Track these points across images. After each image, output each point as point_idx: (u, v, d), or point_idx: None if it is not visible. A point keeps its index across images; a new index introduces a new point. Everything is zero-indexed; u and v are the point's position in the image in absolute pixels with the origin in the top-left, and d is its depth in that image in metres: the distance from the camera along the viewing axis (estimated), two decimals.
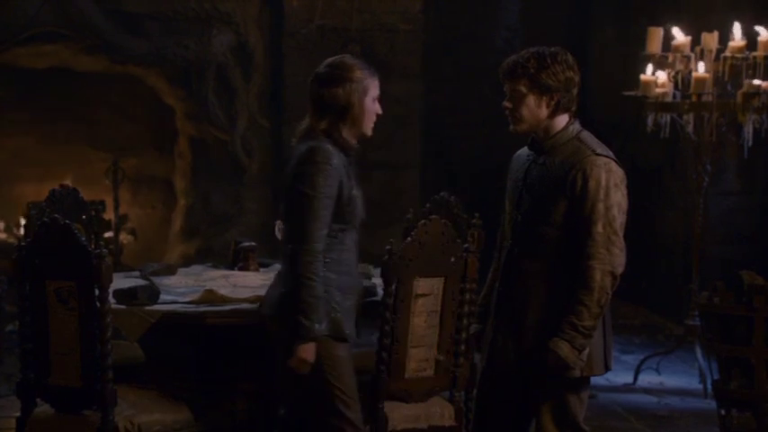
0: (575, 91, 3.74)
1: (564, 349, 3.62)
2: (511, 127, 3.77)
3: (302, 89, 8.63)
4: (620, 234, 3.68)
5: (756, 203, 8.23)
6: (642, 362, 6.94)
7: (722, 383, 5.37)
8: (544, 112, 3.71)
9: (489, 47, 9.34)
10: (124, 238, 9.35)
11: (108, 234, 8.26)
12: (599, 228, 3.63)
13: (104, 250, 4.06)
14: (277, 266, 5.38)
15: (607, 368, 3.80)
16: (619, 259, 3.66)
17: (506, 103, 3.75)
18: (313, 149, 3.79)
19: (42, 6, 8.27)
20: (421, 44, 8.67)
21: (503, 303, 3.83)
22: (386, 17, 8.45)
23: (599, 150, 3.72)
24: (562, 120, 3.74)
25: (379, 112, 3.95)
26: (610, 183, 3.66)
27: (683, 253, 8.13)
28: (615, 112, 8.47)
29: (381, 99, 3.97)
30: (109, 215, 8.68)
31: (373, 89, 3.92)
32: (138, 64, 8.77)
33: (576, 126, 3.76)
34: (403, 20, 8.49)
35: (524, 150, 3.89)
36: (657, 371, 6.97)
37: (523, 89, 3.69)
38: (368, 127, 3.93)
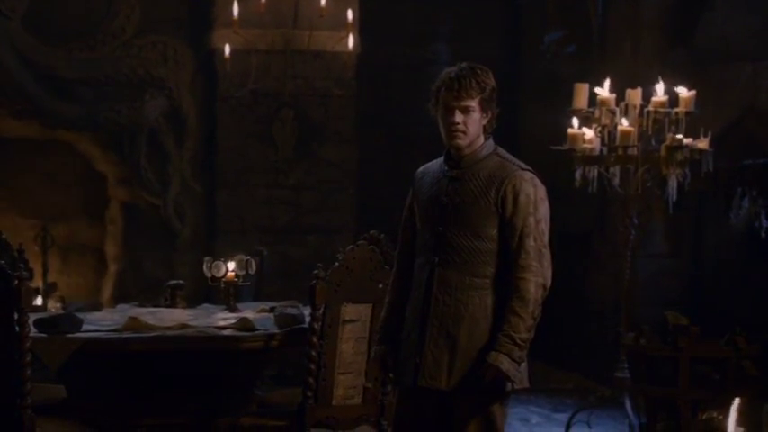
0: None
1: (504, 363, 3.60)
2: (452, 141, 3.71)
3: (235, 153, 8.86)
4: (548, 247, 3.71)
5: (683, 266, 8.35)
6: (573, 415, 6.92)
7: (649, 426, 5.39)
8: (481, 127, 3.75)
9: (420, 119, 9.40)
10: (52, 305, 9.17)
11: (36, 302, 8.13)
12: (531, 241, 3.66)
13: (24, 272, 4.00)
14: (206, 306, 5.35)
15: (530, 382, 3.80)
16: (549, 272, 3.70)
17: (457, 119, 3.68)
18: None
19: None
20: (354, 110, 8.74)
21: (428, 318, 3.77)
22: (319, 83, 8.52)
23: (523, 166, 3.79)
24: (482, 136, 3.79)
25: None
26: (537, 197, 3.72)
27: (613, 317, 8.18)
28: (545, 171, 8.56)
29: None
30: (37, 283, 8.53)
31: None
32: (70, 129, 8.72)
33: (491, 142, 3.81)
34: (336, 85, 8.57)
35: (432, 166, 3.85)
36: (588, 425, 6.94)
37: (474, 104, 3.70)
38: None
